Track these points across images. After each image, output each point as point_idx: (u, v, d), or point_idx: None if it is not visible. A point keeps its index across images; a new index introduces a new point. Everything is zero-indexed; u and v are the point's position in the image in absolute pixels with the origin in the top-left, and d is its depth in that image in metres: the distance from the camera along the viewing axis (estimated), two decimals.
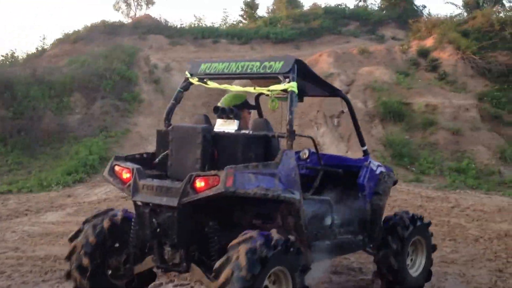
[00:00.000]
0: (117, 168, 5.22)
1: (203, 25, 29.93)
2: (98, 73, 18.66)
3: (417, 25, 25.19)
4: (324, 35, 29.56)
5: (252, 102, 6.03)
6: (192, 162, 4.95)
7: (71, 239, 5.29)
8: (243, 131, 5.25)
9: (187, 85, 5.81)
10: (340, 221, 5.75)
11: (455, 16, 27.21)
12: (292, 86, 5.00)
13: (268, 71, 5.22)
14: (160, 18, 29.73)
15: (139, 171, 5.02)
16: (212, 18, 29.07)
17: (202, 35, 27.60)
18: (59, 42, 24.05)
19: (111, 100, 18.04)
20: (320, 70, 19.90)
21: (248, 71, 5.39)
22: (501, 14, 23.19)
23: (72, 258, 5.22)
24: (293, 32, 28.58)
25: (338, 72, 19.70)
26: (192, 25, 29.60)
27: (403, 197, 12.26)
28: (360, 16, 32.06)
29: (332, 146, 15.74)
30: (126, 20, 29.24)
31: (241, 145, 4.98)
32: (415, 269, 6.31)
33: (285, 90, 5.07)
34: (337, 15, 31.57)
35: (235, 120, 5.35)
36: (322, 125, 16.75)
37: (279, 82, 5.13)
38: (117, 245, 5.35)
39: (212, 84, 5.62)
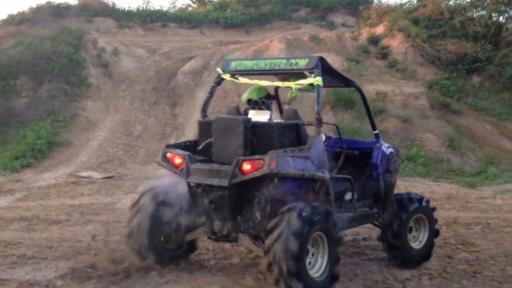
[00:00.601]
0: (168, 154, 6.09)
1: (152, 8, 29.42)
2: (45, 56, 18.10)
3: (368, 12, 25.27)
4: (275, 21, 29.42)
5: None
6: (235, 148, 5.77)
7: (132, 207, 6.33)
8: (276, 120, 6.12)
9: (220, 80, 6.60)
10: (359, 196, 6.66)
11: (406, 3, 27.47)
12: (318, 80, 5.83)
13: (295, 67, 6.04)
14: (107, 0, 29.00)
15: (190, 157, 5.92)
16: (161, 2, 28.53)
17: (150, 19, 27.10)
18: (3, 23, 23.14)
19: (59, 83, 17.53)
20: (271, 56, 19.88)
21: (276, 67, 6.20)
22: (451, 2, 23.58)
23: (132, 222, 6.21)
24: (243, 17, 28.37)
25: None
26: (140, 8, 29.04)
27: None
28: (310, 2, 31.94)
29: None
30: (73, 2, 28.33)
31: (276, 132, 5.81)
32: (418, 243, 7.11)
33: (311, 84, 5.85)
34: (287, 1, 31.34)
35: (267, 111, 6.22)
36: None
37: (301, 77, 5.98)
38: (168, 215, 6.16)
39: (242, 80, 6.40)
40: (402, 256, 6.91)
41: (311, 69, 5.89)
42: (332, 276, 5.64)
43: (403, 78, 19.50)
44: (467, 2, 22.95)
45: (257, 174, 5.42)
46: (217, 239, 6.08)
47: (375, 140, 7.04)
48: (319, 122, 5.86)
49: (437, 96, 18.56)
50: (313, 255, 5.57)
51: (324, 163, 5.86)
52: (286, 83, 6.24)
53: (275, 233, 5.28)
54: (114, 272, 6.09)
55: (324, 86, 6.31)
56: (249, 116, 6.20)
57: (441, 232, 8.70)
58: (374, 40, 22.24)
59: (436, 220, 7.30)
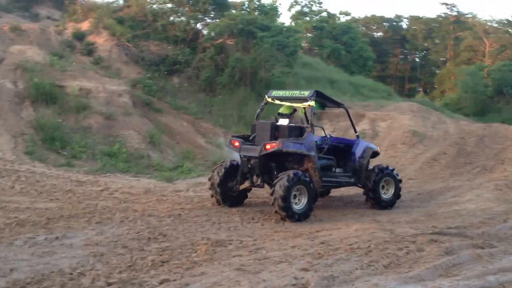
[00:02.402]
0: (232, 140, 11.13)
1: None
2: None
3: (73, 7, 24.85)
4: None
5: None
6: (266, 138, 10.65)
7: (213, 171, 11.24)
8: (290, 124, 10.89)
9: (266, 102, 11.51)
10: (342, 170, 11.54)
11: (112, 2, 27.67)
12: (312, 104, 10.82)
13: (303, 95, 11.05)
14: None
15: (242, 142, 10.94)
16: None
17: None
18: None
19: None
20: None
21: (294, 95, 11.26)
22: (154, 6, 24.44)
23: (212, 180, 11.05)
24: None
25: None
26: None
27: (52, 182, 12.15)
28: None
29: None
30: None
31: (287, 130, 10.73)
32: (387, 195, 11.75)
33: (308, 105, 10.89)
34: None
35: (287, 119, 11.06)
36: None
37: (305, 101, 10.98)
38: (231, 175, 11.05)
39: (277, 102, 11.30)
40: (376, 203, 11.59)
41: (310, 97, 10.89)
42: (306, 212, 10.22)
43: (107, 75, 19.62)
44: (168, 8, 24.11)
45: (272, 150, 10.29)
46: (254, 186, 11.15)
47: (356, 139, 12.00)
48: (312, 126, 10.81)
49: (140, 95, 19.14)
50: (299, 198, 10.20)
51: (312, 147, 10.65)
52: (298, 104, 11.29)
53: (277, 184, 9.98)
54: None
55: (325, 107, 12.36)
56: (279, 122, 11.11)
57: (135, 226, 9.11)
58: (79, 36, 21.98)
59: (399, 183, 11.93)
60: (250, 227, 9.64)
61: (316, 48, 39.09)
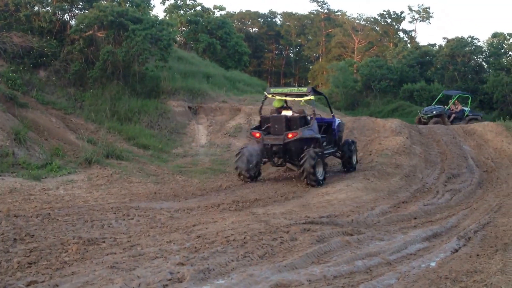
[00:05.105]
0: (252, 132, 14.20)
1: None
2: None
3: None
4: None
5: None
6: (281, 128, 13.93)
7: (236, 155, 14.38)
8: (296, 114, 14.25)
9: (266, 98, 14.60)
10: (327, 143, 14.92)
11: None
12: (312, 98, 14.20)
13: (302, 91, 14.40)
14: None
15: (262, 133, 13.99)
16: None
17: None
18: None
19: None
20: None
21: (293, 91, 14.70)
22: None
23: (238, 161, 14.19)
24: None
25: None
26: None
27: None
28: None
29: None
30: None
31: (297, 120, 13.98)
32: (354, 160, 15.55)
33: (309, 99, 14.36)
34: None
35: (290, 110, 14.41)
36: None
37: (305, 96, 14.36)
38: (252, 157, 13.98)
39: (277, 97, 14.44)
40: (350, 168, 15.40)
41: (309, 92, 14.01)
42: (324, 178, 13.64)
43: None
44: None
45: (294, 138, 13.47)
46: (276, 165, 14.55)
47: (332, 117, 15.71)
48: (314, 114, 14.04)
49: (3, 89, 17.99)
50: (318, 169, 13.35)
51: (317, 131, 13.97)
52: (298, 99, 14.35)
53: (304, 158, 13.26)
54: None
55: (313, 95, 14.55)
56: (283, 113, 14.23)
57: (0, 227, 8.53)
58: None
59: (357, 151, 16.08)
60: (125, 224, 9.40)
61: (191, 42, 38.92)
